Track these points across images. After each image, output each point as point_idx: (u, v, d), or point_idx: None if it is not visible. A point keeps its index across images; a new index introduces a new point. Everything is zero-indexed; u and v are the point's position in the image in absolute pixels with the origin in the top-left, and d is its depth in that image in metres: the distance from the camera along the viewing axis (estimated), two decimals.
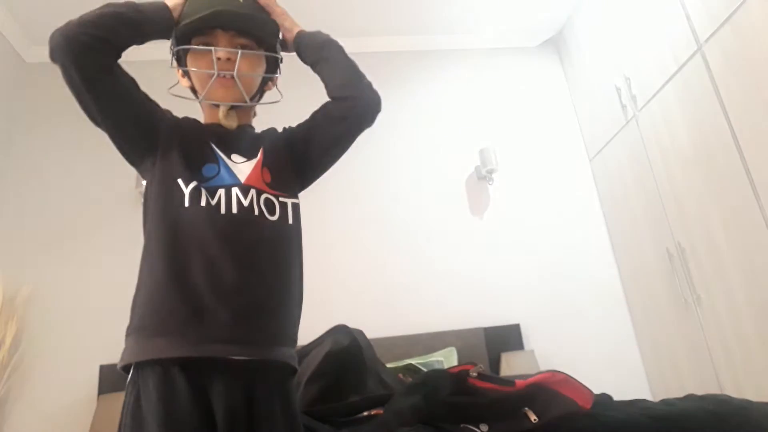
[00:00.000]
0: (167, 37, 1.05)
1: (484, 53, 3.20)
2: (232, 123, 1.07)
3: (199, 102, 1.09)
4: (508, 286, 2.71)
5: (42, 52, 2.84)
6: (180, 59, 1.09)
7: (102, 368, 2.29)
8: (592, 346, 2.62)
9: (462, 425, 0.99)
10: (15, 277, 2.36)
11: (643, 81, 2.43)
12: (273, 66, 1.14)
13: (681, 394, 1.11)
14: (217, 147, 1.02)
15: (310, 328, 1.46)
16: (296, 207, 1.04)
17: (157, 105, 1.05)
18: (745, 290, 1.94)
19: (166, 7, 1.02)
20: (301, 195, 1.10)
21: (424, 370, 1.71)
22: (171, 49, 1.09)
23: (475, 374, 1.11)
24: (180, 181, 0.95)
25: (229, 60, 1.02)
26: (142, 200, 1.01)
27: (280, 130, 1.16)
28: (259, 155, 1.04)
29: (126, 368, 0.87)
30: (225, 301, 0.87)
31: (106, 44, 0.95)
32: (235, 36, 1.04)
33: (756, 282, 1.88)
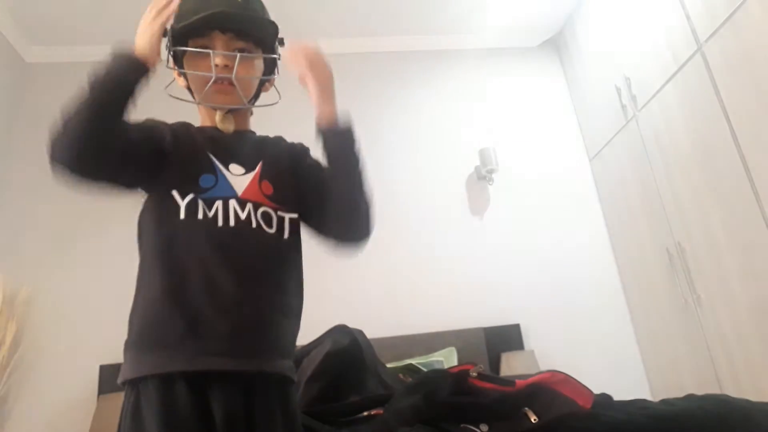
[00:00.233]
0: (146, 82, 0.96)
1: (484, 53, 3.20)
2: (229, 126, 1.05)
3: (197, 104, 1.07)
4: (508, 286, 2.71)
5: (42, 52, 2.84)
6: (177, 58, 1.06)
7: (102, 368, 2.29)
8: (592, 346, 2.62)
9: (462, 425, 0.99)
10: (15, 277, 2.36)
11: (643, 81, 2.43)
12: (270, 66, 1.11)
13: (681, 394, 1.11)
14: (215, 156, 1.00)
15: (310, 328, 1.45)
16: (294, 222, 1.02)
17: (153, 129, 1.00)
18: (745, 290, 1.94)
19: (132, 56, 0.93)
20: None
21: (424, 370, 1.71)
22: (167, 47, 1.05)
23: (475, 374, 1.11)
24: (175, 193, 0.94)
25: (227, 65, 0.99)
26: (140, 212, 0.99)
27: (288, 138, 1.14)
28: (258, 168, 1.02)
29: (125, 383, 0.87)
30: (222, 315, 0.87)
31: (101, 149, 0.88)
32: (233, 38, 1.02)
33: (756, 282, 1.88)
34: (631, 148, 2.57)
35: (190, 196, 0.93)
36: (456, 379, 1.09)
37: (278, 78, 1.14)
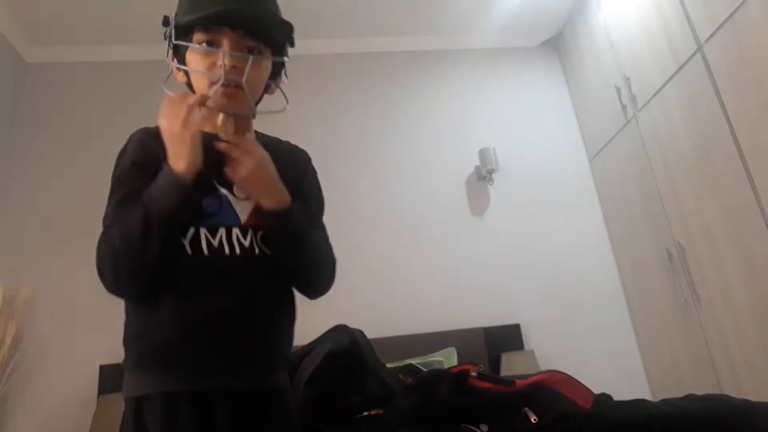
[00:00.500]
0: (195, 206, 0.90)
1: (484, 53, 3.20)
2: (229, 130, 0.94)
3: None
4: (508, 286, 2.71)
5: (42, 52, 2.84)
6: (177, 50, 0.97)
7: (102, 368, 2.29)
8: (592, 347, 2.62)
9: (462, 425, 0.99)
10: (15, 277, 2.36)
11: (643, 81, 2.43)
12: (277, 67, 1.03)
13: (681, 394, 1.11)
14: (217, 179, 0.93)
15: (310, 328, 1.45)
16: None
17: (145, 175, 0.91)
18: (745, 290, 1.94)
19: (176, 179, 0.85)
20: None
21: (424, 370, 1.71)
22: (167, 37, 0.96)
23: (475, 374, 1.11)
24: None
25: (236, 66, 0.91)
26: None
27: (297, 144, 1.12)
28: None
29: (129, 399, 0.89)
30: (225, 336, 0.89)
31: (147, 284, 0.88)
32: (243, 36, 0.93)
33: (756, 282, 1.88)
34: (631, 148, 2.57)
35: (191, 231, 0.90)
36: (456, 379, 1.09)
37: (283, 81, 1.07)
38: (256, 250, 0.94)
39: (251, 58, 0.91)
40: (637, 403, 1.06)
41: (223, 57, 0.89)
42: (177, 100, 0.88)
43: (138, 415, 0.85)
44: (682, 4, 2.12)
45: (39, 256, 2.46)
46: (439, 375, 1.13)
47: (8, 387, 2.23)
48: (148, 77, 2.88)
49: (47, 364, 2.32)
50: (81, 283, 2.42)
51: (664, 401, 1.06)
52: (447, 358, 2.28)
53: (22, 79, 2.77)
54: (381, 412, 1.09)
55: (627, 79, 2.53)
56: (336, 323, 1.51)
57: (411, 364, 1.88)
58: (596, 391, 1.08)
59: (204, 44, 0.92)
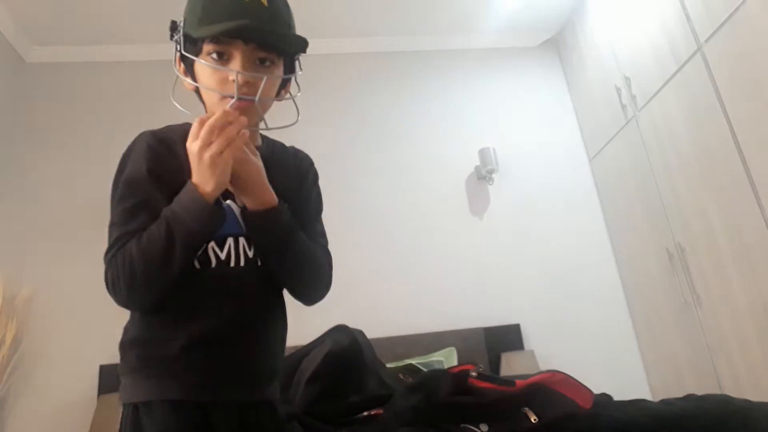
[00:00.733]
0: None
1: (484, 53, 3.20)
2: None
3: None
4: (508, 286, 2.71)
5: (42, 52, 2.84)
6: (185, 57, 0.93)
7: (102, 368, 2.29)
8: (592, 346, 2.62)
9: (462, 425, 0.99)
10: (15, 277, 2.36)
11: (643, 81, 2.43)
12: (287, 71, 0.99)
13: (681, 394, 1.11)
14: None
15: (310, 328, 1.46)
16: None
17: (159, 188, 0.90)
18: (745, 290, 1.94)
19: (204, 202, 0.83)
20: None
21: (424, 370, 1.71)
22: (176, 43, 0.94)
23: (475, 374, 1.11)
24: None
25: (249, 81, 0.88)
26: None
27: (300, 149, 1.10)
28: None
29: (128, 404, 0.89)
30: (226, 349, 0.89)
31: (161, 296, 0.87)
32: (255, 48, 0.89)
33: (756, 282, 1.88)
34: (631, 148, 2.57)
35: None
36: (456, 379, 1.09)
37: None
38: (258, 262, 0.94)
39: (265, 78, 0.88)
40: (637, 403, 1.06)
41: (237, 75, 0.86)
42: (214, 124, 0.82)
43: (136, 421, 0.84)
44: (682, 4, 2.12)
45: (39, 256, 2.46)
46: (439, 375, 1.13)
47: (8, 387, 2.23)
48: (147, 77, 2.90)
49: (47, 364, 2.32)
50: (81, 283, 2.43)
51: (664, 401, 1.06)
52: (447, 358, 2.28)
53: (22, 79, 2.77)
54: (381, 412, 1.09)
55: (627, 79, 2.53)
56: (336, 323, 1.51)
57: (411, 364, 1.88)
58: (596, 391, 1.08)
59: (214, 54, 0.89)
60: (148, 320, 0.90)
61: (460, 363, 1.60)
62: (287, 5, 0.96)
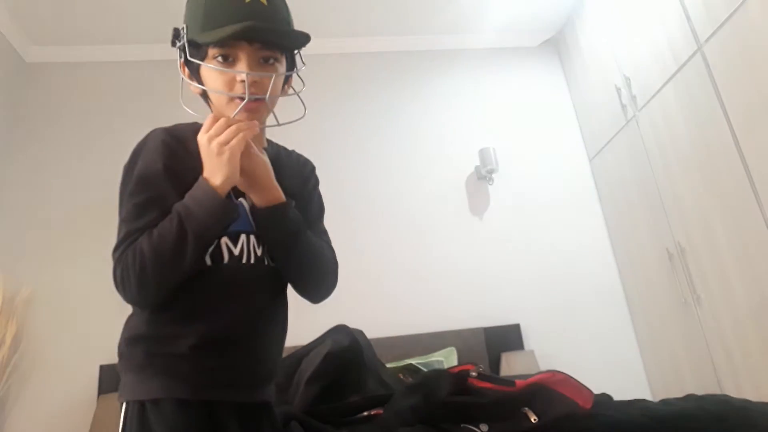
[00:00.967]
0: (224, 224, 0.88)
1: (484, 53, 3.20)
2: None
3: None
4: (508, 286, 2.71)
5: (42, 52, 2.84)
6: (189, 62, 0.94)
7: (102, 368, 2.29)
8: (592, 346, 2.62)
9: (462, 425, 0.99)
10: (15, 277, 2.36)
11: (643, 81, 2.43)
12: (290, 67, 1.01)
13: (681, 394, 1.11)
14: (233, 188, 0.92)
15: (310, 328, 1.46)
16: None
17: (173, 185, 0.90)
18: (745, 290, 1.94)
19: (214, 194, 0.84)
20: None
21: (424, 370, 1.71)
22: (181, 49, 0.93)
23: (475, 374, 1.11)
24: None
25: (257, 80, 0.89)
26: None
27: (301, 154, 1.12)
28: None
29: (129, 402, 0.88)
30: (235, 348, 0.90)
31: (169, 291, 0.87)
32: (259, 48, 0.90)
33: (756, 282, 1.88)
34: (631, 148, 2.57)
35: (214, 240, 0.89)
36: (456, 379, 1.09)
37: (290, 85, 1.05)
38: (266, 261, 0.95)
39: (274, 76, 0.89)
40: (637, 403, 1.06)
41: (246, 76, 0.87)
42: (227, 121, 0.85)
43: (143, 418, 0.83)
44: (682, 4, 2.12)
45: (39, 256, 2.46)
46: (439, 375, 1.13)
47: (8, 387, 2.23)
48: (148, 77, 2.90)
49: (47, 364, 2.32)
50: (81, 283, 2.43)
51: (664, 401, 1.06)
52: (447, 358, 2.28)
53: (22, 79, 2.77)
54: (381, 412, 1.09)
55: (627, 79, 2.53)
56: (336, 323, 1.51)
57: (411, 364, 1.88)
58: (596, 391, 1.08)
59: (219, 57, 0.90)
60: (157, 316, 0.89)
61: (460, 363, 1.60)
62: (284, 1, 0.97)
